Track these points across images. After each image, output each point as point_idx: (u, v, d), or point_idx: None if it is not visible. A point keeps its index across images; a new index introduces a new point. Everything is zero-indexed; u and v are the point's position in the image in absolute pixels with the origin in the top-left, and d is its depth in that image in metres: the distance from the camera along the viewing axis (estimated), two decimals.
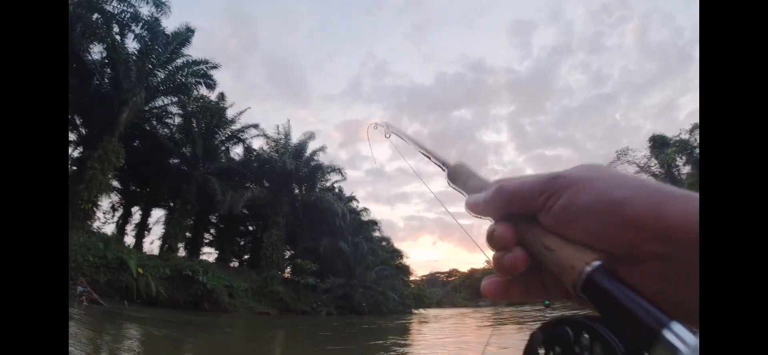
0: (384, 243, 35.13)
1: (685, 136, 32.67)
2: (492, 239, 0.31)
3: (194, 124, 21.90)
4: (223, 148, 24.82)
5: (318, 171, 29.20)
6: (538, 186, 0.29)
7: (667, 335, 0.21)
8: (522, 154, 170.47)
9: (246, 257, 28.63)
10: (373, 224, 33.01)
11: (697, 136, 30.79)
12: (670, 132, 36.06)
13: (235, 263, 27.49)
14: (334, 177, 30.52)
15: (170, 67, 18.61)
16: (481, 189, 0.34)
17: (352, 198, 32.85)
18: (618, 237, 0.25)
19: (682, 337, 0.20)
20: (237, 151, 26.51)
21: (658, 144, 34.80)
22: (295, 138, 28.46)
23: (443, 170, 0.42)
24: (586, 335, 0.23)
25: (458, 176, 0.39)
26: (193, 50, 20.45)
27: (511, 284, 0.31)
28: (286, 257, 27.72)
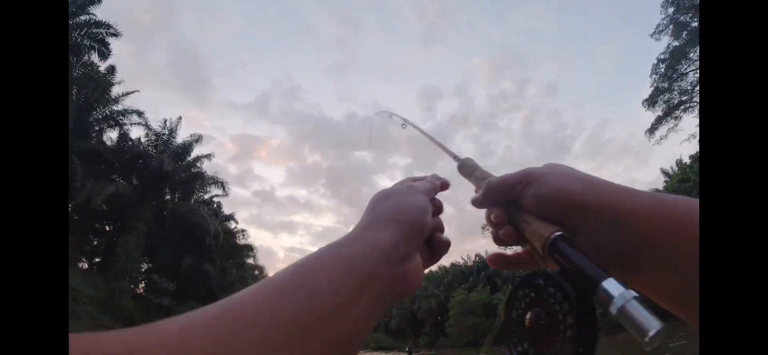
0: (257, 273, 33.26)
1: None
2: (490, 220, 0.45)
3: (73, 93, 18.34)
4: (96, 128, 21.06)
5: (198, 179, 26.79)
6: (515, 178, 0.43)
7: (604, 284, 0.31)
8: None
9: (96, 260, 23.48)
10: (249, 249, 31.26)
11: None
12: None
13: (84, 265, 22.31)
14: (214, 190, 28.42)
15: (72, 22, 15.75)
16: (482, 179, 0.50)
17: (231, 217, 30.75)
18: (571, 217, 0.38)
19: (613, 288, 0.31)
20: (111, 136, 22.69)
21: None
22: (181, 138, 25.95)
23: (456, 161, 0.59)
24: (550, 287, 0.33)
25: (466, 168, 0.56)
26: (101, 11, 17.64)
27: (507, 256, 0.46)
28: (143, 269, 23.97)
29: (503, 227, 0.43)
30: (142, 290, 22.70)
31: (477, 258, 57.27)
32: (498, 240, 0.44)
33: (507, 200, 0.44)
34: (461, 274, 55.62)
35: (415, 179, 0.49)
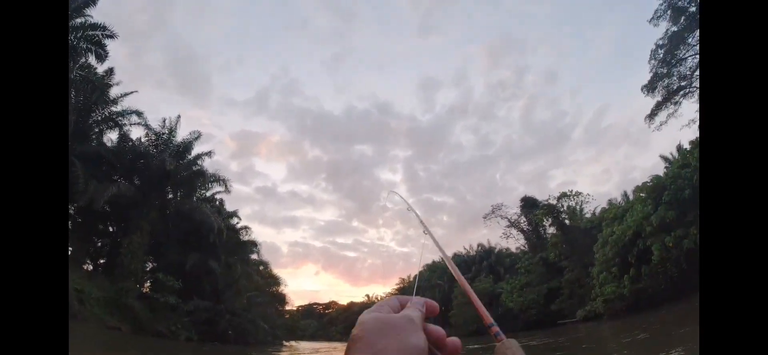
0: (261, 268, 33.52)
1: (553, 201, 37.24)
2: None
3: (71, 95, 18.34)
4: (96, 129, 21.10)
5: (199, 177, 26.86)
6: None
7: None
8: (412, 196, 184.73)
9: (102, 261, 23.67)
10: (253, 245, 31.44)
11: (564, 204, 38.02)
12: (540, 196, 41.63)
13: (88, 266, 22.50)
14: (216, 188, 28.48)
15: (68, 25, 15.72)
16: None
17: (233, 214, 30.88)
18: None
19: None
20: (111, 137, 22.73)
21: (529, 205, 41.95)
22: (181, 137, 25.97)
23: (424, 234, 0.77)
24: None
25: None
26: (96, 13, 17.57)
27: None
28: (148, 269, 24.15)
29: None
30: (147, 289, 22.86)
31: (479, 247, 57.77)
32: None
33: None
34: (464, 264, 56.22)
35: (401, 300, 0.50)
